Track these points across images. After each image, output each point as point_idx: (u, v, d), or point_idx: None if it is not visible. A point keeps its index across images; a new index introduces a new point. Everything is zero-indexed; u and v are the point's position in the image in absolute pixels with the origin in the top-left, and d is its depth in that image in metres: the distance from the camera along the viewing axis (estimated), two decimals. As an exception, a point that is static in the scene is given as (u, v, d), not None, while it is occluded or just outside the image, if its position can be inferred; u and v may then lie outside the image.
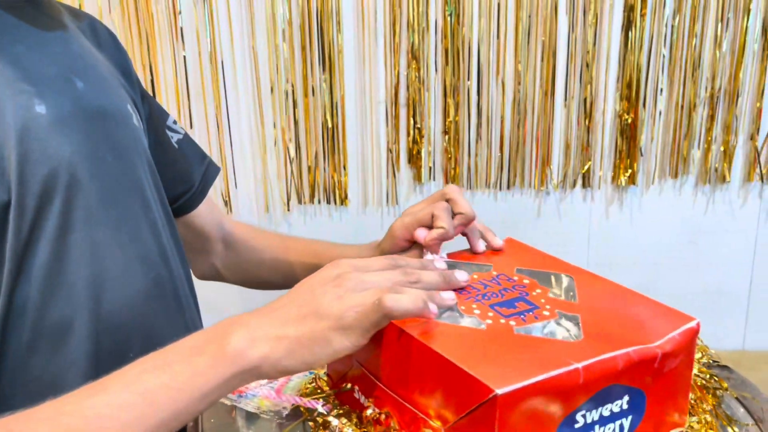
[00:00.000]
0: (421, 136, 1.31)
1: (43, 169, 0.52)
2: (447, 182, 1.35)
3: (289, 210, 1.34)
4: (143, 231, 0.60)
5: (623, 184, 1.35)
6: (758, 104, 1.30)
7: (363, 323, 0.44)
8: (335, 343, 0.44)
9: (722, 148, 1.33)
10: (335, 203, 1.33)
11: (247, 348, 0.44)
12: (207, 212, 0.78)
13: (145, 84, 1.21)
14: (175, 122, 0.75)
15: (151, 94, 0.82)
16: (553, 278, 0.56)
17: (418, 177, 1.34)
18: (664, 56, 1.28)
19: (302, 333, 0.44)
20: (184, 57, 1.24)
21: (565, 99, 1.31)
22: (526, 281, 0.55)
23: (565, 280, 0.56)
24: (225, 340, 0.44)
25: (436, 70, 1.29)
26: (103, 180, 0.56)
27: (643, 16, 1.26)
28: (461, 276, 0.53)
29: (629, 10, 1.26)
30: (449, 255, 0.63)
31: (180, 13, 1.22)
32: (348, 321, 0.44)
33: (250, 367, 0.44)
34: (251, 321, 0.45)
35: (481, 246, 0.63)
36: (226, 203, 1.31)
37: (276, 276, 0.80)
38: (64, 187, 0.53)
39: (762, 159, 1.33)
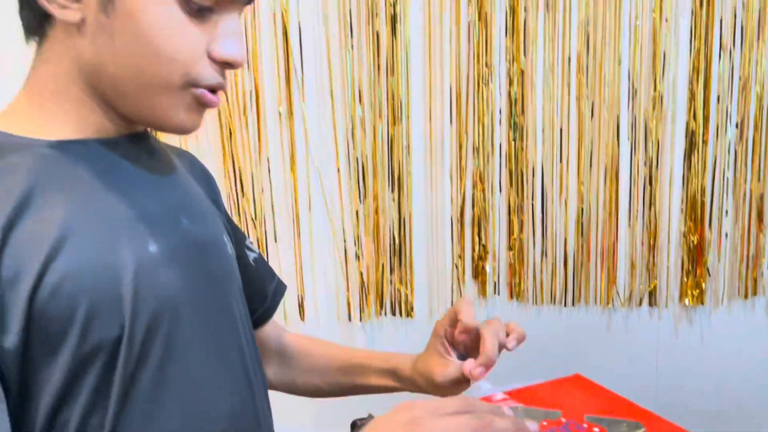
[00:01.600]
0: (486, 252, 1.36)
1: (153, 305, 0.58)
2: (512, 297, 1.38)
3: (358, 321, 1.39)
4: (232, 355, 0.66)
5: (691, 303, 1.34)
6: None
7: None
8: None
9: (794, 271, 1.31)
10: (401, 315, 1.38)
11: None
12: (271, 326, 0.85)
13: (230, 206, 1.33)
14: (251, 242, 0.83)
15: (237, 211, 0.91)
16: (624, 426, 0.57)
17: (482, 291, 1.37)
18: (727, 179, 1.30)
19: None
20: (269, 170, 1.36)
21: (629, 219, 1.34)
22: (596, 430, 0.56)
23: (636, 429, 0.57)
24: None
25: (500, 190, 1.35)
26: (201, 310, 0.63)
27: (705, 141, 1.29)
28: (532, 427, 0.52)
29: (691, 135, 1.30)
30: (509, 393, 0.65)
31: (263, 135, 1.35)
32: None
33: None
34: None
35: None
36: (285, 318, 1.38)
37: (324, 384, 0.85)
38: (168, 319, 0.59)
39: (839, 283, 1.30)
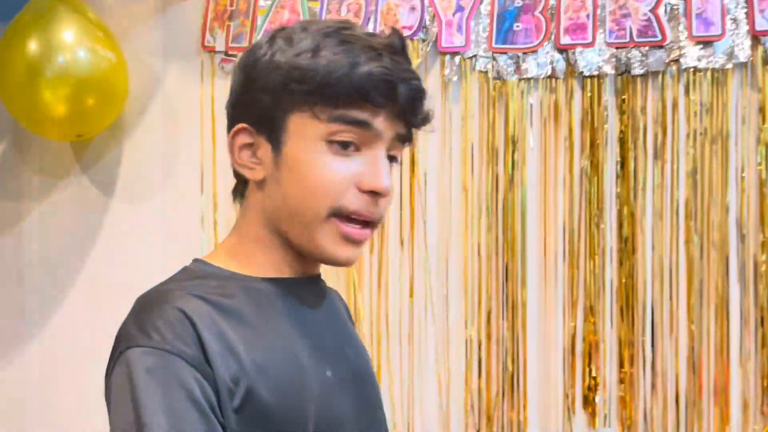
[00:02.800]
0: (597, 384, 1.42)
1: (328, 420, 0.72)
2: (623, 429, 1.42)
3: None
4: None
5: (812, 451, 1.32)
6: None
7: None
8: None
9: None
10: (513, 441, 1.44)
11: None
12: None
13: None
14: None
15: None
16: None
17: (592, 423, 1.42)
18: (844, 325, 1.32)
19: None
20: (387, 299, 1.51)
21: (741, 359, 1.37)
22: None
23: None
24: None
25: (611, 324, 1.42)
26: (364, 427, 0.76)
27: (817, 287, 1.33)
28: None
29: (802, 280, 1.34)
30: None
31: (384, 263, 1.51)
32: None
33: None
34: None
35: None
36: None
37: None
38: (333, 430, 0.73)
39: None
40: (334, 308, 0.83)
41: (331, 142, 0.69)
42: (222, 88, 1.62)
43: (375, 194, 0.70)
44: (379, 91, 0.68)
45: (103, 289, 1.67)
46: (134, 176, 1.69)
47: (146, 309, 0.68)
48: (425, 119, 0.74)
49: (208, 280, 0.72)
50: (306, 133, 0.70)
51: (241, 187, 0.78)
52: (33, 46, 1.48)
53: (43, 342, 1.72)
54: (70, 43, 1.50)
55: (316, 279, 0.80)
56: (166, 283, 0.73)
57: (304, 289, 0.77)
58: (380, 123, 0.70)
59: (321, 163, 0.69)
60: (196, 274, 0.74)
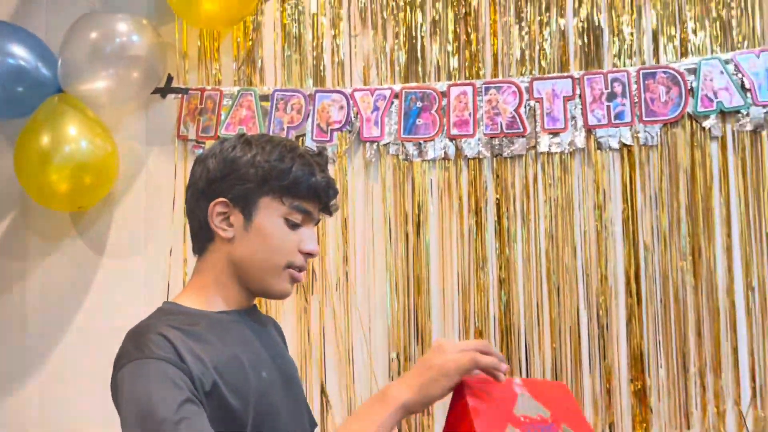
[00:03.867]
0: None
1: (266, 408, 1.03)
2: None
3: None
4: None
5: (642, 435, 1.77)
6: None
7: (459, 370, 0.90)
8: (443, 381, 0.90)
9: (715, 410, 1.74)
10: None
11: (398, 394, 0.93)
12: None
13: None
14: None
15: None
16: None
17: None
18: (659, 342, 1.79)
19: (424, 380, 0.91)
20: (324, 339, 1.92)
21: (590, 369, 1.82)
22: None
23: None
24: (387, 393, 0.94)
25: (495, 345, 1.86)
26: (291, 417, 1.09)
27: (640, 313, 1.80)
28: (503, 366, 0.92)
29: (630, 307, 1.81)
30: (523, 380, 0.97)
31: (324, 306, 1.93)
32: (447, 369, 0.91)
33: (401, 404, 0.92)
34: (398, 382, 0.94)
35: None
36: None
37: None
38: (271, 421, 1.03)
39: (748, 421, 1.71)
40: (268, 330, 1.18)
41: (287, 220, 1.06)
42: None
43: (309, 255, 1.09)
44: (323, 194, 1.08)
45: (95, 333, 2.04)
46: (121, 239, 2.08)
47: (137, 335, 0.99)
48: (336, 209, 1.15)
49: (178, 315, 1.04)
50: (272, 211, 1.05)
51: (200, 244, 1.09)
52: (45, 139, 1.89)
53: (42, 380, 2.07)
54: (74, 135, 1.92)
55: (255, 309, 1.16)
56: (147, 320, 1.04)
57: (247, 317, 1.11)
58: (315, 212, 1.10)
59: (281, 233, 1.06)
60: (169, 312, 1.04)
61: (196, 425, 0.91)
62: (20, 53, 1.92)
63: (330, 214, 1.14)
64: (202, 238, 1.09)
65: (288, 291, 1.10)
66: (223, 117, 2.04)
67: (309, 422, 1.16)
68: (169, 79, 2.07)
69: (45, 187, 1.92)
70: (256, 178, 1.04)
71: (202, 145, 2.04)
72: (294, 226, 1.07)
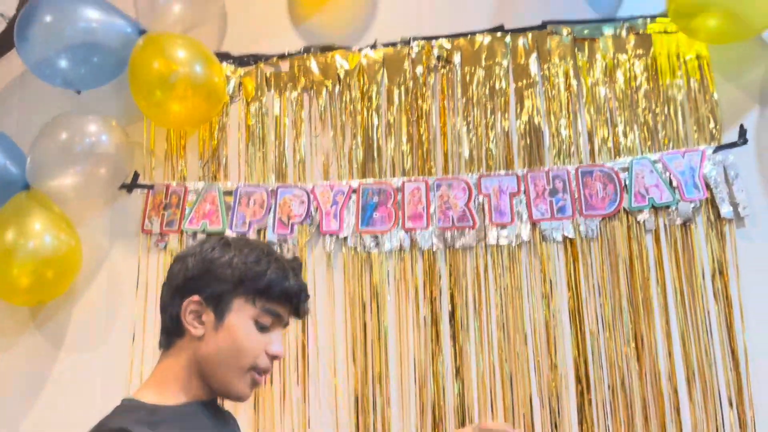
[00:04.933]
0: (443, 482, 1.86)
1: None
2: None
3: None
4: None
5: None
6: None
7: None
8: None
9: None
10: None
11: None
12: None
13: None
14: None
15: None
16: None
17: None
18: (608, 427, 1.85)
19: None
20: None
21: (546, 455, 1.86)
22: None
23: None
24: None
25: (450, 424, 1.90)
26: None
27: (590, 399, 1.87)
28: None
29: (580, 392, 1.88)
30: None
31: (286, 402, 1.95)
32: None
33: None
34: None
35: None
36: None
37: None
38: None
39: (697, 503, 1.76)
40: (228, 423, 1.21)
41: (256, 322, 1.10)
42: (155, 262, 2.10)
43: (275, 357, 1.13)
44: (294, 298, 1.13)
45: (50, 426, 2.01)
46: (79, 333, 2.09)
47: None
48: (306, 314, 1.19)
49: (139, 411, 1.06)
50: (243, 312, 1.09)
51: (169, 339, 1.12)
52: (9, 235, 1.93)
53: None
54: (39, 231, 1.97)
55: (215, 402, 1.18)
56: (108, 418, 1.05)
57: (206, 410, 1.13)
58: (286, 315, 1.14)
59: (250, 334, 1.09)
60: (129, 408, 1.05)
61: None
62: (-11, 151, 1.99)
63: (299, 317, 1.18)
64: (172, 333, 1.12)
65: (247, 395, 1.13)
66: (187, 211, 2.11)
67: None
68: (135, 175, 2.15)
69: (6, 282, 1.95)
70: (231, 278, 1.10)
71: (166, 239, 2.11)
72: (263, 328, 1.10)
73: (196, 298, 1.10)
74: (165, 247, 2.10)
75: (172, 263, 1.17)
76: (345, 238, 2.06)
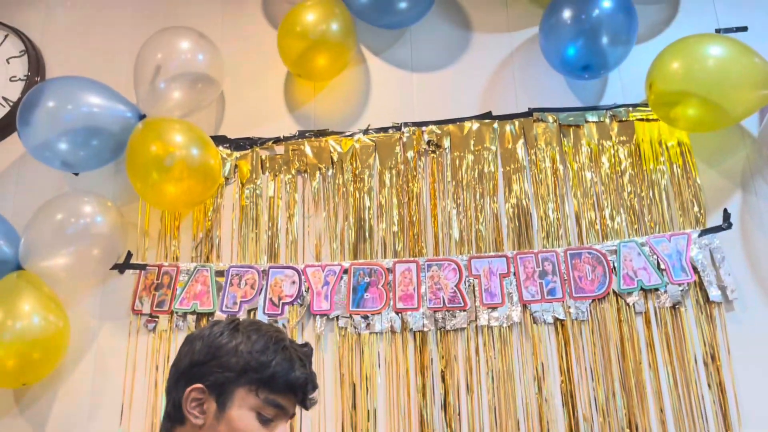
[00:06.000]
0: None
1: None
2: None
3: None
4: None
5: None
6: None
7: None
8: None
9: None
10: None
11: None
12: None
13: None
14: None
15: None
16: None
17: None
18: None
19: None
20: None
21: None
22: None
23: None
24: None
25: None
26: None
27: (584, 486, 1.82)
28: None
29: (575, 481, 1.82)
30: None
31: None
32: None
33: None
34: None
35: None
36: None
37: None
38: None
39: None
40: None
41: (259, 414, 1.07)
42: (144, 343, 2.08)
43: None
44: (300, 389, 1.11)
45: None
46: (64, 417, 2.04)
47: None
48: (314, 404, 1.17)
49: None
50: (245, 403, 1.07)
51: (169, 424, 1.10)
52: (-2, 316, 1.92)
53: None
54: (27, 311, 1.95)
55: None
56: None
57: None
58: (290, 407, 1.12)
59: (252, 427, 1.06)
60: None
61: None
62: (-18, 234, 2.01)
63: (306, 408, 1.15)
64: (173, 419, 1.10)
65: None
66: (178, 292, 2.11)
67: None
68: (128, 255, 2.16)
69: (-12, 364, 1.91)
70: (236, 367, 1.07)
71: (156, 320, 2.09)
72: (265, 421, 1.07)
73: (198, 386, 1.08)
74: (154, 328, 2.08)
75: (182, 344, 1.15)
76: (336, 318, 2.06)
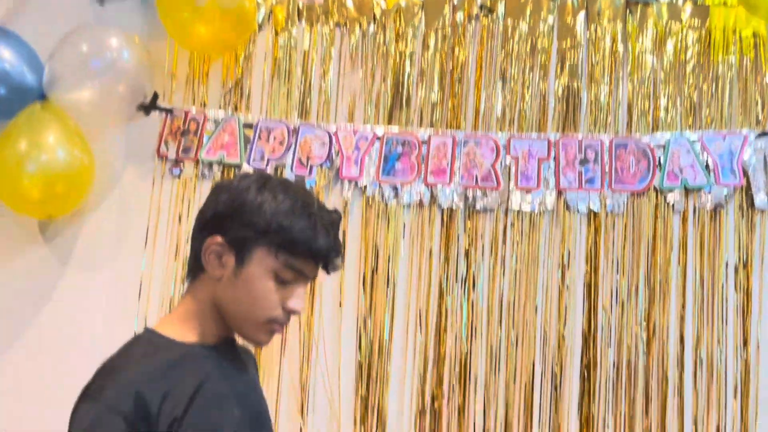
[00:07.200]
0: (440, 410, 1.87)
1: None
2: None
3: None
4: None
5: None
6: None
7: None
8: None
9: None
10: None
11: None
12: None
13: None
14: None
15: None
16: None
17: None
18: (609, 401, 1.84)
19: None
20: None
21: (539, 425, 1.86)
22: None
23: None
24: None
25: (451, 391, 1.89)
26: None
27: (594, 376, 1.86)
28: None
29: (584, 370, 1.86)
30: None
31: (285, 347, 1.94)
32: None
33: None
34: None
35: None
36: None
37: None
38: None
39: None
40: (244, 363, 1.17)
41: (277, 276, 1.03)
42: (168, 188, 2.06)
43: (293, 312, 1.07)
44: (323, 258, 1.06)
45: (51, 341, 2.01)
46: (88, 252, 2.07)
47: (105, 374, 1.00)
48: (336, 270, 1.11)
49: (155, 349, 1.02)
50: (264, 263, 1.03)
51: (192, 271, 1.08)
52: (23, 144, 1.88)
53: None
54: (52, 144, 1.90)
55: (233, 342, 1.15)
56: (122, 354, 1.04)
57: (225, 351, 1.10)
58: (311, 272, 1.07)
59: (268, 288, 1.03)
60: (147, 342, 1.05)
61: None
62: (7, 56, 1.91)
63: (328, 272, 1.11)
64: (194, 266, 1.09)
65: (264, 342, 1.09)
66: (205, 140, 2.05)
67: None
68: (155, 96, 2.07)
69: (17, 192, 1.90)
70: (257, 226, 1.03)
71: (181, 166, 2.05)
72: (284, 282, 1.04)
73: (218, 239, 1.05)
74: (179, 174, 2.05)
75: (209, 192, 1.11)
76: (364, 186, 2.01)
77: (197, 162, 2.05)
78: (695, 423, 1.81)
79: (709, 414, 1.80)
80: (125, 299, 2.01)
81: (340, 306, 1.97)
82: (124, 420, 0.93)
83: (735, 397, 1.80)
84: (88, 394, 0.98)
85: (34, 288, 2.06)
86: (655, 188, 1.91)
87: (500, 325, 1.91)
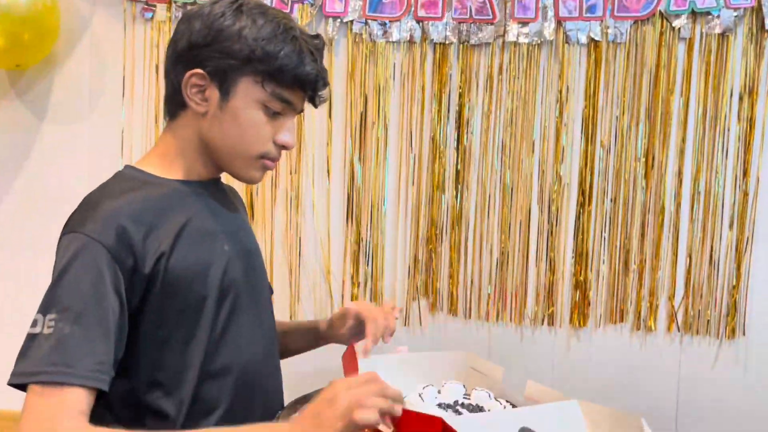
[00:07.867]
0: (437, 279, 1.88)
1: (227, 281, 1.00)
2: (449, 312, 1.88)
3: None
4: (264, 319, 1.08)
5: (578, 325, 1.84)
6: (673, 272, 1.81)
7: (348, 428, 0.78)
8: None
9: (648, 305, 1.82)
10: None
11: None
12: None
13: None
14: None
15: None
16: None
17: (432, 306, 1.89)
18: (605, 238, 1.83)
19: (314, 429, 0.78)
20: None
21: (537, 261, 1.86)
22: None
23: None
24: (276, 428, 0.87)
25: (446, 236, 1.88)
26: (249, 290, 1.05)
27: (590, 210, 1.83)
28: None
29: (580, 204, 1.84)
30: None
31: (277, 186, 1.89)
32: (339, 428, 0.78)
33: None
34: (290, 427, 0.84)
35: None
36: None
37: (282, 346, 1.22)
38: (233, 292, 1.00)
39: (678, 316, 1.81)
40: (231, 202, 1.13)
41: (265, 107, 0.97)
42: (141, 32, 1.93)
43: (284, 147, 1.01)
44: (310, 86, 0.99)
45: (34, 198, 1.96)
46: (63, 103, 1.97)
47: (89, 207, 0.94)
48: (323, 102, 1.06)
49: (137, 184, 0.97)
50: (250, 94, 0.97)
51: (172, 109, 1.01)
52: (-23, -14, 1.73)
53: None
54: (10, -15, 1.76)
55: (218, 180, 1.10)
56: (104, 187, 0.98)
57: (210, 188, 1.06)
58: (299, 102, 1.01)
59: (257, 120, 0.97)
60: (130, 178, 0.99)
61: (91, 327, 0.86)
62: None
63: (315, 106, 1.05)
64: (174, 103, 1.01)
65: (257, 179, 1.05)
66: (177, -22, 1.89)
67: (269, 290, 1.17)
68: (117, -70, 1.89)
69: (-22, 40, 1.77)
70: (239, 55, 0.96)
71: (153, 8, 1.91)
72: (273, 114, 0.98)
73: (199, 71, 0.97)
74: (152, 17, 1.91)
75: (178, 23, 1.01)
76: (350, 23, 1.88)
77: (170, 3, 1.90)
78: (689, 255, 1.81)
79: (704, 245, 1.80)
80: (109, 150, 1.94)
81: (328, 146, 1.91)
82: (109, 251, 0.89)
83: (731, 228, 1.79)
84: (69, 226, 0.94)
85: (13, 143, 1.98)
86: (660, 14, 1.79)
87: (495, 166, 1.86)
